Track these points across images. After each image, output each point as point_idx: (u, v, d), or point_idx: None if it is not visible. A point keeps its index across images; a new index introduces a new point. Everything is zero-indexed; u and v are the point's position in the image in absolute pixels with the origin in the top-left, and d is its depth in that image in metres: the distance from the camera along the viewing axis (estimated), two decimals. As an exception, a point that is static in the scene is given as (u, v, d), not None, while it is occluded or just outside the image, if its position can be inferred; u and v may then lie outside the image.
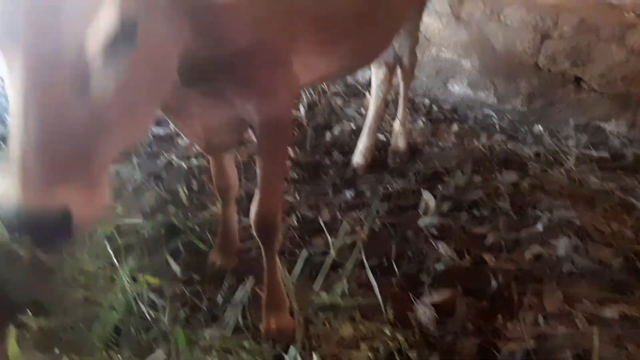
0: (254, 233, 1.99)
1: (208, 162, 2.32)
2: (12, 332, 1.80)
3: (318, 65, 1.99)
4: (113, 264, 2.19)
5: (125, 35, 1.06)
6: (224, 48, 1.54)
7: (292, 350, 1.92)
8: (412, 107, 3.80)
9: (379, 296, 2.19)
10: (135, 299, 2.05)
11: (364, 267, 2.34)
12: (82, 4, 1.00)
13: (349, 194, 2.89)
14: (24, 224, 1.00)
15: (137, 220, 2.48)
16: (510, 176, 3.03)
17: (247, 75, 1.64)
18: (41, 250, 1.99)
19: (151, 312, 2.02)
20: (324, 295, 2.17)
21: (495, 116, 3.76)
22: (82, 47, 1.01)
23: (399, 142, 3.25)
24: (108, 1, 1.01)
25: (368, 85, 3.60)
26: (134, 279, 2.11)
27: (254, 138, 2.02)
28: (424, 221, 2.64)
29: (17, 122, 1.00)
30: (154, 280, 2.13)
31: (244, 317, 2.08)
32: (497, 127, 3.65)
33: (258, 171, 1.88)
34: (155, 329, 1.98)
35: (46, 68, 1.00)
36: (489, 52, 3.78)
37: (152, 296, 2.09)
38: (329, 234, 2.51)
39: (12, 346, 1.77)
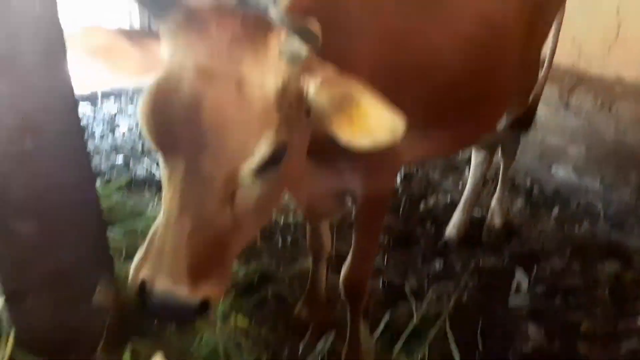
0: (341, 293, 2.08)
1: (305, 219, 2.45)
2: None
3: (420, 146, 2.09)
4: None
5: (275, 159, 1.19)
6: None
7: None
8: (512, 187, 3.74)
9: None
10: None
11: (447, 339, 2.30)
12: (245, 130, 1.13)
13: (438, 264, 2.88)
14: (166, 310, 1.13)
15: (234, 264, 2.63)
16: (613, 266, 2.88)
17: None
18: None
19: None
20: (403, 358, 2.16)
21: (601, 204, 3.61)
22: (238, 167, 1.15)
23: (495, 219, 3.21)
24: (268, 133, 1.15)
25: (467, 160, 3.62)
26: (225, 317, 2.23)
27: (349, 204, 2.13)
28: (514, 300, 2.58)
29: (171, 219, 1.14)
30: (242, 322, 2.23)
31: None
32: (602, 215, 3.50)
33: (354, 238, 2.01)
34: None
35: (204, 179, 1.14)
36: (597, 141, 3.67)
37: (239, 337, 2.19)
38: (415, 302, 2.51)
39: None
